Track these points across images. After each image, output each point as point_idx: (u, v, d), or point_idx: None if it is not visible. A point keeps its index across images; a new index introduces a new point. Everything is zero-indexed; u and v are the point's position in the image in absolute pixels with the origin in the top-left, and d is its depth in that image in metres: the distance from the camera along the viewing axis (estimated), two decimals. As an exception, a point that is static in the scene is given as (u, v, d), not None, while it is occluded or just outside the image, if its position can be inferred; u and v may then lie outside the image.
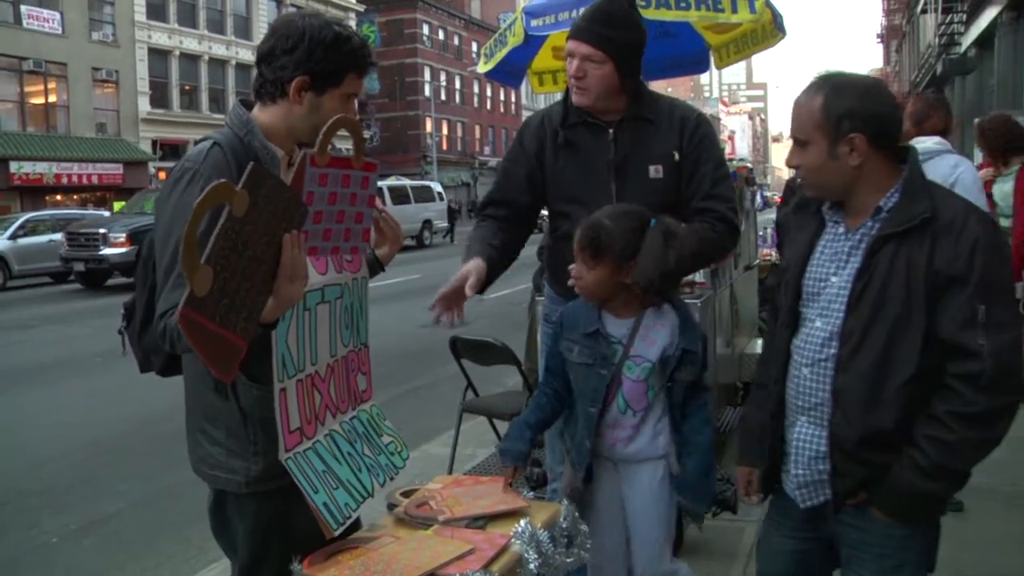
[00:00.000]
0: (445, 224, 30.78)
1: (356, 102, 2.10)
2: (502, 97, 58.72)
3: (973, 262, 1.77)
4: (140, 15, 31.51)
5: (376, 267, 2.30)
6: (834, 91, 1.89)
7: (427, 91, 49.67)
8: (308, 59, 1.92)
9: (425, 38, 50.82)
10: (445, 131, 51.98)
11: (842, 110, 1.86)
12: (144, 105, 31.92)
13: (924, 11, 29.17)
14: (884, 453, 1.86)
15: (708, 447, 2.44)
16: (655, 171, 2.73)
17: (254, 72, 2.08)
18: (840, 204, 1.98)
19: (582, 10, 2.80)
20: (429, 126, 48.97)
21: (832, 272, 1.95)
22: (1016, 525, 3.86)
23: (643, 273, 2.31)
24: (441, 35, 52.48)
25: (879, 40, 60.53)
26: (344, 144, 2.57)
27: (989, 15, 19.98)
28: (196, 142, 2.05)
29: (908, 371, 1.81)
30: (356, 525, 2.08)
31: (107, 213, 21.60)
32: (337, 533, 1.86)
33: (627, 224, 2.34)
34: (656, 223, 2.35)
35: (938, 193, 1.90)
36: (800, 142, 1.94)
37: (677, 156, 2.74)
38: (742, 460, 2.24)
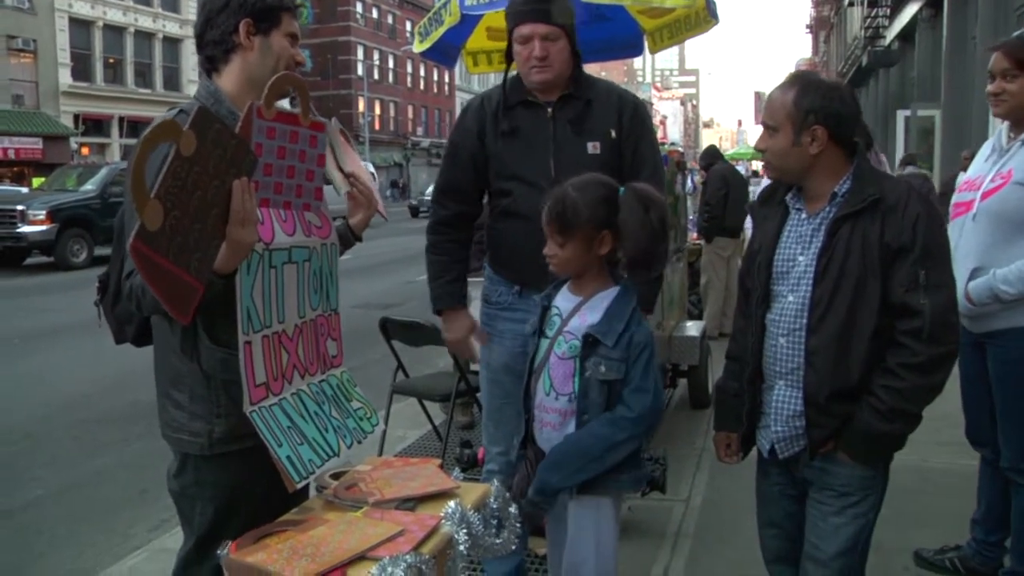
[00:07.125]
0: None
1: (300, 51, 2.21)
2: (435, 77, 58.38)
3: (916, 234, 2.06)
4: (60, -17, 30.36)
5: (349, 238, 2.35)
6: (804, 88, 2.17)
7: (360, 70, 49.08)
8: (243, 4, 2.05)
9: (359, 16, 50.14)
10: (378, 111, 51.46)
11: (809, 105, 2.14)
12: (65, 77, 30.78)
13: (851, 4, 29.90)
14: (850, 404, 2.14)
15: (579, 446, 2.21)
16: (592, 147, 2.79)
17: (196, 50, 2.16)
18: (800, 192, 2.26)
19: None
20: (362, 105, 48.43)
21: (799, 252, 2.22)
22: (929, 499, 4.02)
23: (633, 243, 2.19)
24: (375, 13, 51.85)
25: (808, 31, 61.85)
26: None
27: (910, 11, 20.61)
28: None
29: (868, 331, 2.10)
30: (305, 494, 2.12)
31: (25, 189, 20.73)
32: (299, 486, 1.93)
33: (594, 193, 2.22)
34: (626, 191, 2.22)
35: (884, 179, 2.21)
36: (770, 128, 2.22)
37: (614, 134, 2.82)
38: (720, 427, 2.48)
